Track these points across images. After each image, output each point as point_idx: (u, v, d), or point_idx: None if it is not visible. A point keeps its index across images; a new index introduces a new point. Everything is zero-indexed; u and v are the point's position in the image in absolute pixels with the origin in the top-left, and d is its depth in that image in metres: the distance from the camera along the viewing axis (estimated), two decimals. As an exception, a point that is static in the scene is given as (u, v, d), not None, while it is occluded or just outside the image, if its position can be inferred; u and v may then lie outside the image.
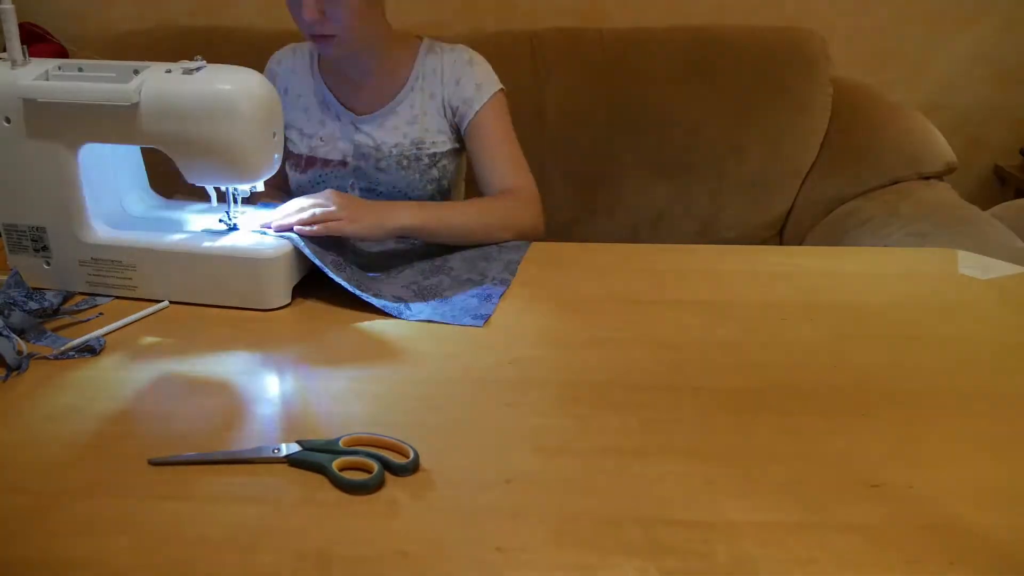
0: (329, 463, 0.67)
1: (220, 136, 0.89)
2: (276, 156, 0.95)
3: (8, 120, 0.92)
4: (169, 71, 0.90)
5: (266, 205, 1.06)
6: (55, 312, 0.92)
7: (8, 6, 0.90)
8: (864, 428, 0.74)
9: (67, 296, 0.95)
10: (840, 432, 0.73)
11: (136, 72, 0.91)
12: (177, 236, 0.97)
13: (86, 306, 0.95)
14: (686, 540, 0.61)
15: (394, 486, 0.67)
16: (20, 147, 0.92)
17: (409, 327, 0.92)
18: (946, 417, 0.76)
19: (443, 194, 1.31)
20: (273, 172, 0.96)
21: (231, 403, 0.78)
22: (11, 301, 0.89)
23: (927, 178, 1.62)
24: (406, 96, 1.26)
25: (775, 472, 0.68)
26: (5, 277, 0.94)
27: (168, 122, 0.89)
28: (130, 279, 0.96)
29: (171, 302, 0.96)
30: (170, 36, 1.84)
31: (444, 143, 1.27)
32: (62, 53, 1.89)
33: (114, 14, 1.97)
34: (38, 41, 1.89)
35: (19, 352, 0.83)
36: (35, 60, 0.94)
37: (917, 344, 0.88)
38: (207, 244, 0.95)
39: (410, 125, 1.26)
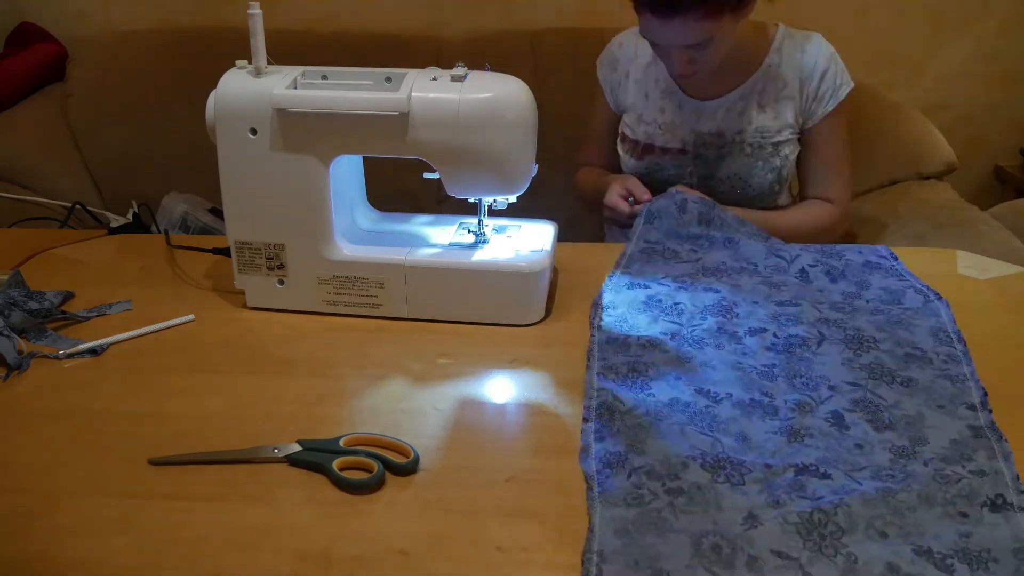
0: (329, 463, 0.67)
1: (490, 146, 0.85)
2: (535, 166, 0.91)
3: (254, 131, 0.86)
4: (435, 78, 0.85)
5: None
6: (54, 312, 0.92)
7: (257, 11, 0.84)
8: (864, 428, 0.74)
9: (67, 296, 0.95)
10: (840, 432, 0.73)
11: (389, 79, 0.86)
12: (430, 251, 0.92)
13: (95, 313, 0.94)
14: (686, 540, 0.61)
15: (394, 486, 0.67)
16: (266, 160, 0.87)
17: (404, 326, 0.92)
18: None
19: (780, 184, 1.27)
20: (528, 183, 0.91)
21: (231, 403, 0.78)
22: (11, 301, 0.89)
23: (927, 178, 1.62)
24: (756, 82, 1.23)
25: (775, 472, 0.68)
26: (6, 277, 0.94)
27: (438, 131, 0.84)
28: (375, 297, 0.91)
29: (409, 319, 0.92)
30: (170, 36, 1.84)
31: (788, 132, 1.23)
32: (62, 53, 1.88)
33: (114, 14, 1.96)
34: (38, 41, 1.89)
35: (19, 352, 0.83)
36: (276, 68, 0.88)
37: (917, 344, 0.88)
38: (471, 259, 0.90)
39: (757, 112, 1.23)
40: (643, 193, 1.17)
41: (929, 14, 1.93)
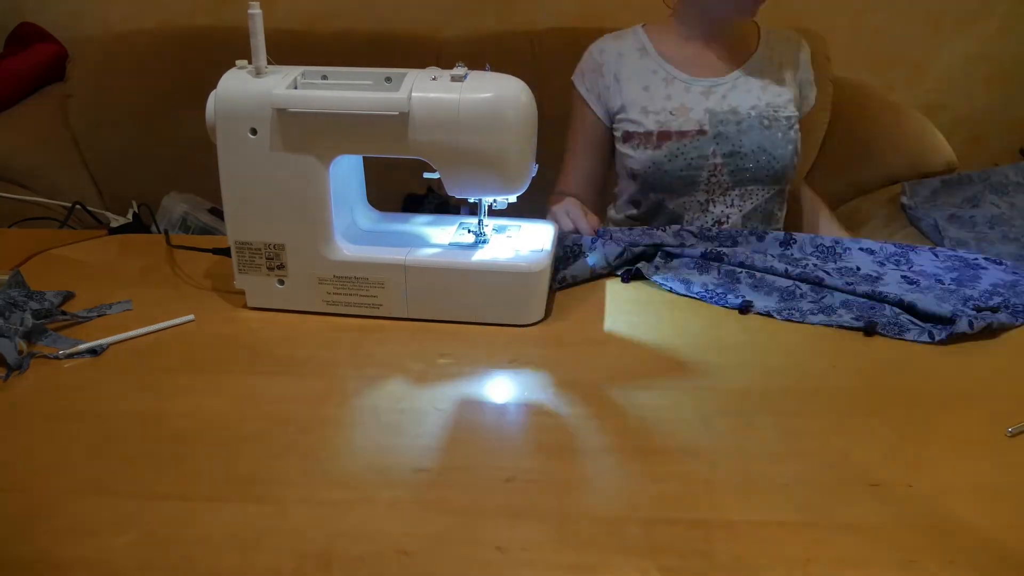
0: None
1: (490, 146, 0.85)
2: (535, 166, 0.91)
3: (254, 132, 0.86)
4: (435, 78, 0.85)
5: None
6: (55, 312, 0.92)
7: (257, 11, 0.84)
8: (864, 428, 0.74)
9: (67, 296, 0.95)
10: (840, 432, 0.73)
11: (389, 79, 0.86)
12: (430, 251, 0.92)
13: (95, 313, 0.94)
14: (686, 540, 0.61)
15: (394, 486, 0.67)
16: (266, 160, 0.87)
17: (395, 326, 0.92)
18: (946, 417, 0.76)
19: (797, 158, 1.32)
20: (528, 183, 0.91)
21: (230, 403, 0.78)
22: (11, 301, 0.89)
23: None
24: (757, 62, 1.31)
25: (775, 472, 0.68)
26: (6, 277, 0.94)
27: (438, 131, 0.84)
28: (375, 297, 0.91)
29: (409, 319, 0.92)
30: (170, 36, 1.85)
31: (793, 110, 1.30)
32: (62, 53, 1.88)
33: (114, 14, 1.97)
34: (38, 41, 1.89)
35: (19, 352, 0.83)
36: (276, 68, 0.88)
37: (916, 343, 0.88)
38: (471, 259, 0.90)
39: (763, 89, 1.29)
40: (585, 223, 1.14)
41: (929, 14, 1.93)
